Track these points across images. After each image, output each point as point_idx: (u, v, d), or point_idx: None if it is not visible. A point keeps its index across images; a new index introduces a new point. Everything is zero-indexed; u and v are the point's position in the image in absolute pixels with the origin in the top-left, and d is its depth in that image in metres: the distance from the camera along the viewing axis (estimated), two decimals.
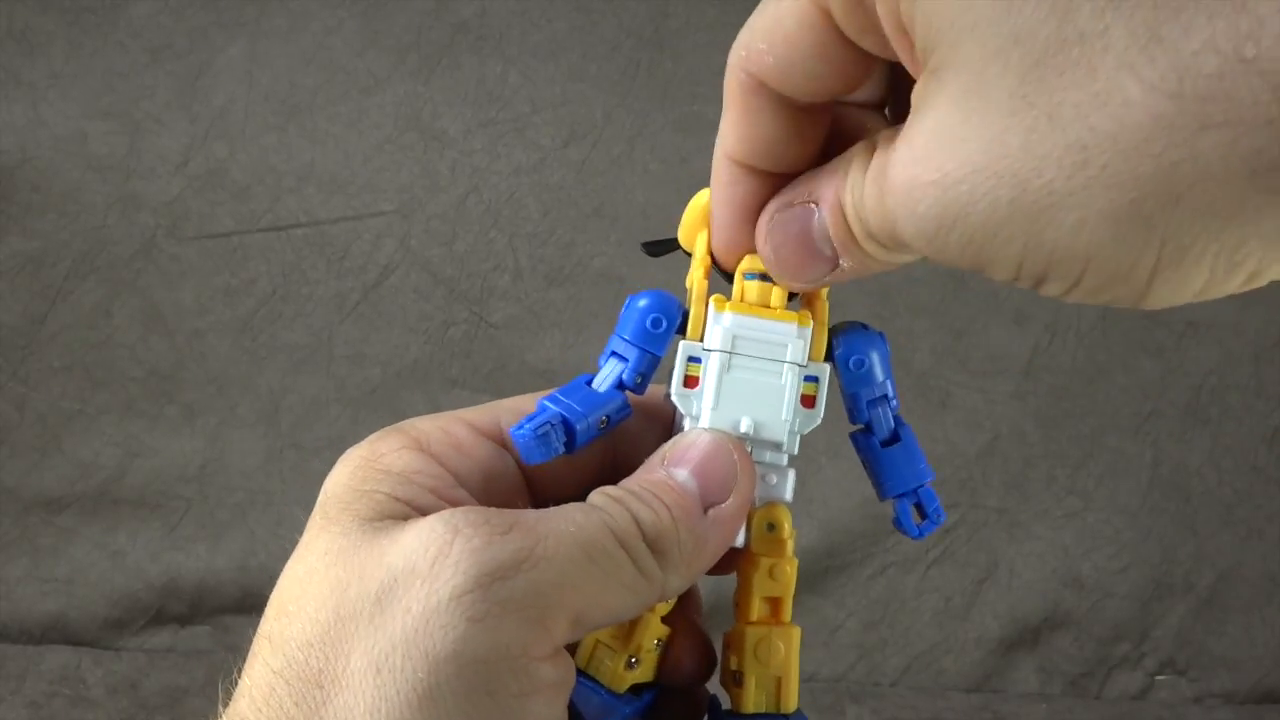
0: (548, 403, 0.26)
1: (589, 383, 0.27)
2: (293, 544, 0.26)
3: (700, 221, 0.28)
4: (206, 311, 0.87)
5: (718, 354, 0.27)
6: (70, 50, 0.83)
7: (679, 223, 0.29)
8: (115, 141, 0.84)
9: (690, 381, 0.27)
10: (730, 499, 0.26)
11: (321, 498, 0.25)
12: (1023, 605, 0.90)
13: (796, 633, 0.29)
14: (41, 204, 0.84)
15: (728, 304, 0.27)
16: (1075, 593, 0.90)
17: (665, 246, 0.29)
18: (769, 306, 0.27)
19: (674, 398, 0.27)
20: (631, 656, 0.27)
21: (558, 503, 0.27)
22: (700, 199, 0.28)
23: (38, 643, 0.86)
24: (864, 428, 0.29)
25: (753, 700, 0.28)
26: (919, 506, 0.29)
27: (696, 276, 0.28)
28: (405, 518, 0.23)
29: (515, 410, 0.27)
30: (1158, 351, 0.90)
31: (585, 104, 0.87)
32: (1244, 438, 0.91)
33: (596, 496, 0.25)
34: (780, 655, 0.28)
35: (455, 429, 0.26)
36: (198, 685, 0.83)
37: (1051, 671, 0.90)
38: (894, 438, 0.29)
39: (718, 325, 0.27)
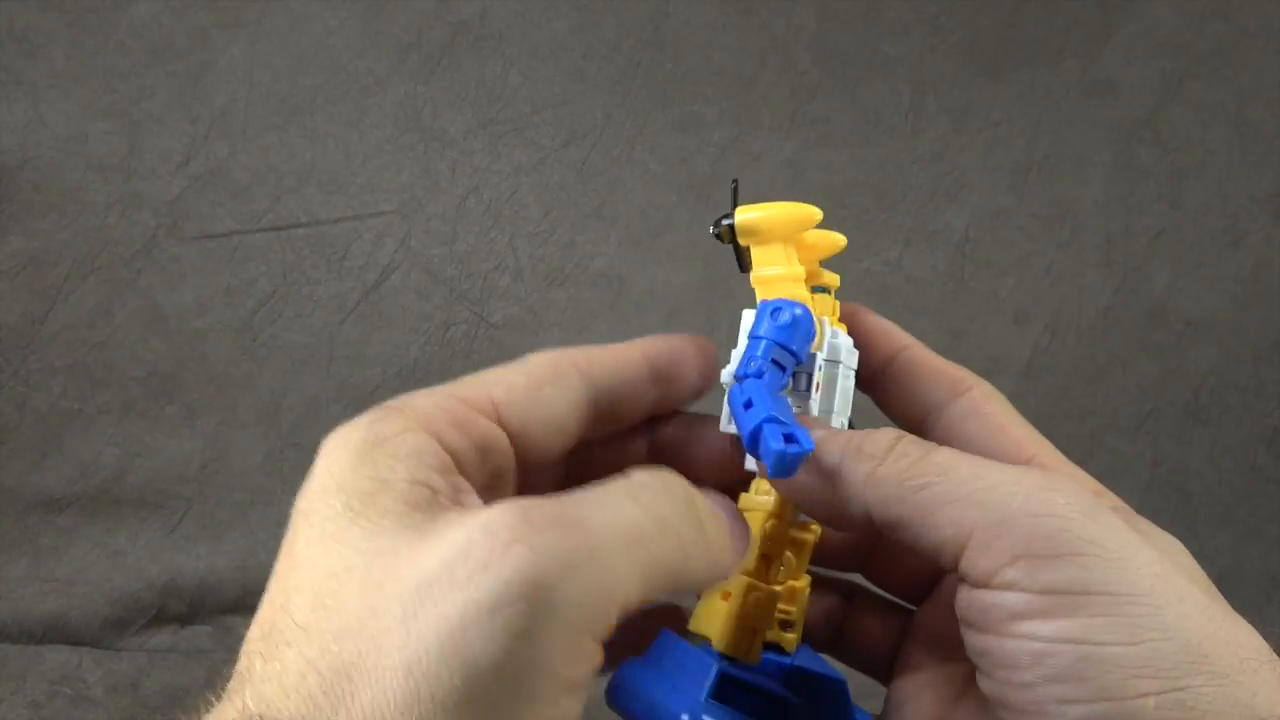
0: (790, 425, 0.27)
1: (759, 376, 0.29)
2: None
3: (795, 230, 0.30)
4: (207, 311, 0.87)
5: (834, 364, 0.30)
6: (71, 50, 0.83)
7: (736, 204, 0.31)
8: (116, 141, 0.84)
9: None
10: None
11: (326, 480, 0.26)
12: None
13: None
14: (42, 204, 0.84)
15: (829, 319, 0.31)
16: None
17: (731, 242, 0.31)
18: (833, 316, 0.31)
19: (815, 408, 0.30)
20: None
21: (544, 470, 0.28)
22: (808, 214, 0.30)
23: (38, 642, 0.86)
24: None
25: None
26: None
27: (805, 292, 0.30)
28: (431, 506, 0.23)
29: (504, 382, 0.28)
30: (1157, 351, 0.90)
31: (585, 104, 0.87)
32: (1243, 438, 0.91)
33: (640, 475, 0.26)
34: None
35: (453, 406, 0.27)
36: (198, 685, 0.83)
37: None
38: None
39: (835, 340, 0.30)
